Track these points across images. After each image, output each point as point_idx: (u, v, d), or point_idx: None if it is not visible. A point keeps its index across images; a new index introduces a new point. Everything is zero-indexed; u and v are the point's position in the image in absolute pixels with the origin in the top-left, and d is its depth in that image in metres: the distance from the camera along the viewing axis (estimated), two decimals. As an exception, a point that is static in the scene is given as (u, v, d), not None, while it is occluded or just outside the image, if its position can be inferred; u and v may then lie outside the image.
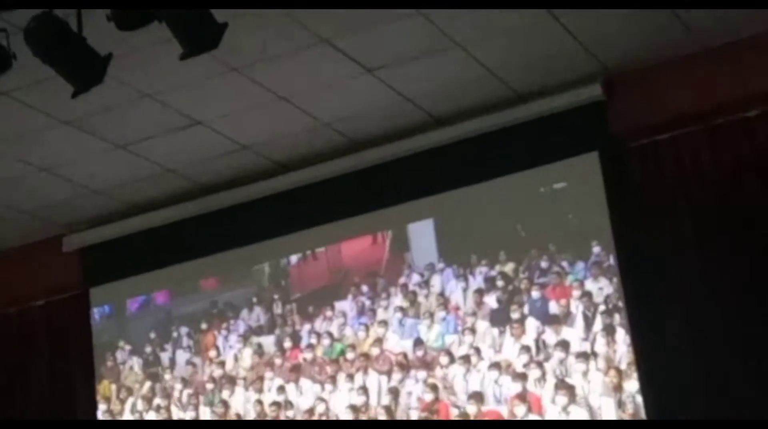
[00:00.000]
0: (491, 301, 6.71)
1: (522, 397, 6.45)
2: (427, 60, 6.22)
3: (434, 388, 6.69)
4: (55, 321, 7.79)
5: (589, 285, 6.49)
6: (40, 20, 4.79)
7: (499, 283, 6.70)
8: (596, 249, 6.50)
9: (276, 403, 7.11)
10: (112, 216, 7.60)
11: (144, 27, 4.77)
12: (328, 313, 7.15)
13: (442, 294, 6.85)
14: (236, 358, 7.35)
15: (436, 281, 6.89)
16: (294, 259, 7.30)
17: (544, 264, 6.62)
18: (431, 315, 6.85)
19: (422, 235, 6.97)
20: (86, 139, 6.59)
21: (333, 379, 7.02)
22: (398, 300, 6.95)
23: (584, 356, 6.38)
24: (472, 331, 6.70)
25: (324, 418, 6.95)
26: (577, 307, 6.49)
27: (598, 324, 6.41)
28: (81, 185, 7.17)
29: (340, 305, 7.13)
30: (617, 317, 6.37)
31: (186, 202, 7.45)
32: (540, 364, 6.45)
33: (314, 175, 7.17)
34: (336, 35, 5.92)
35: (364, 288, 7.07)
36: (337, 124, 6.82)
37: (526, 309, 6.61)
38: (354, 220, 7.09)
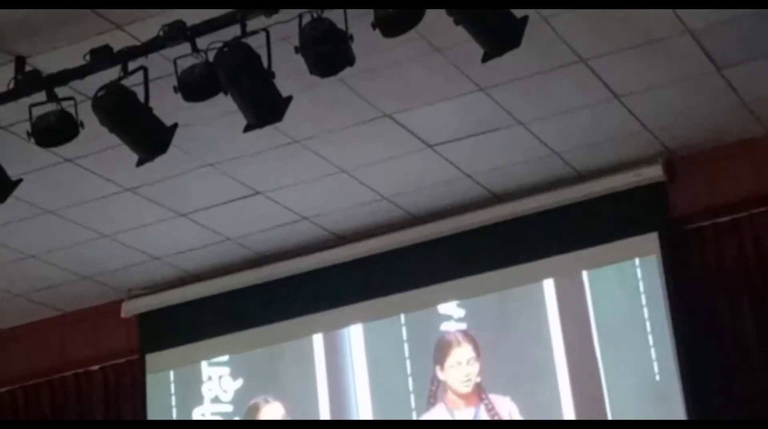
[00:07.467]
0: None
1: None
2: (488, 136, 6.24)
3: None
4: (112, 386, 7.81)
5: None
6: (109, 90, 4.86)
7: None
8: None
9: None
10: (171, 283, 7.64)
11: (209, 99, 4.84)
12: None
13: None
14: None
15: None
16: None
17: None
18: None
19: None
20: (148, 206, 6.65)
21: None
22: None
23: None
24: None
25: None
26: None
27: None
28: (141, 252, 7.22)
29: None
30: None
31: (244, 271, 7.47)
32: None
33: (373, 248, 7.18)
34: (397, 110, 5.96)
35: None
36: (396, 198, 6.84)
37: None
38: (412, 294, 7.07)
